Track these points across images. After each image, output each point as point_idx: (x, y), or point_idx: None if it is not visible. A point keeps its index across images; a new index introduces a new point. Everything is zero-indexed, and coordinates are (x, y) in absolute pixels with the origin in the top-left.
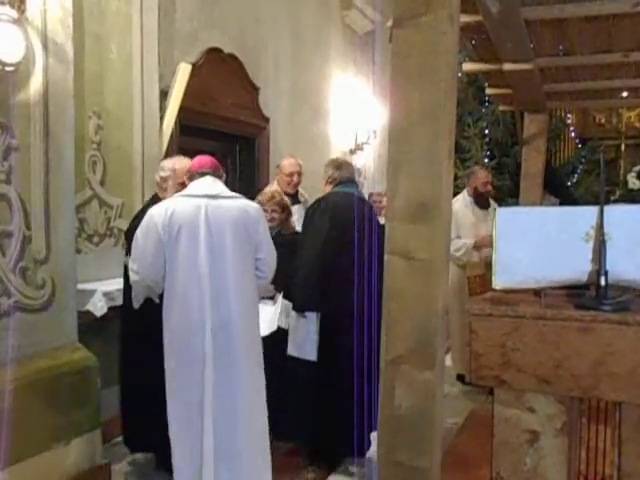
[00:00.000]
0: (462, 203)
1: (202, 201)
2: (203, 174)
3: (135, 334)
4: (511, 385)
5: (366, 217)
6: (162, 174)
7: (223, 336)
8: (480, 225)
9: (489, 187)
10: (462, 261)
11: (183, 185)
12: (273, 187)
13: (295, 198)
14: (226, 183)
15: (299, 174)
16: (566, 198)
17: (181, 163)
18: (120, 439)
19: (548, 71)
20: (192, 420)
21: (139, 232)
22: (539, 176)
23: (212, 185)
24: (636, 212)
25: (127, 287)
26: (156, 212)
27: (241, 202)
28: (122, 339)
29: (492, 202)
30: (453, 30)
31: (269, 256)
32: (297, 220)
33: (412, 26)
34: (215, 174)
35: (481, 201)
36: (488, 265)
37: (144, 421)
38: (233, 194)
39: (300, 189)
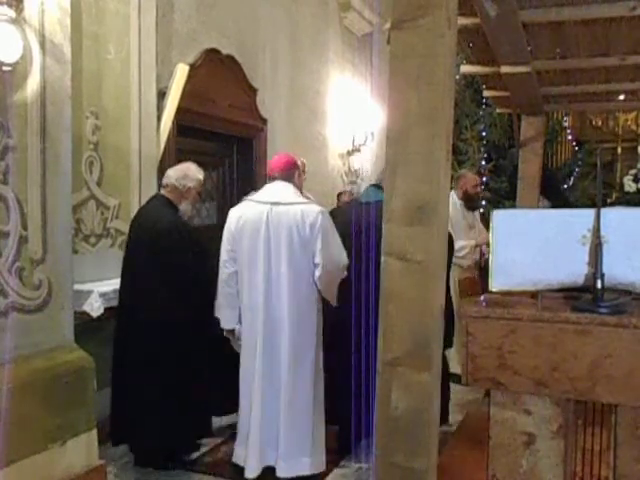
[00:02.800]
0: (452, 206)
1: (266, 207)
2: (274, 178)
3: (129, 333)
4: (507, 387)
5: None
6: (188, 184)
7: (272, 329)
8: (471, 227)
9: (478, 189)
10: (466, 263)
11: (200, 195)
12: None
13: None
14: (223, 184)
15: (303, 172)
16: (559, 202)
17: (201, 173)
18: None
19: (545, 74)
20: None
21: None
22: (536, 178)
23: (277, 191)
24: (633, 215)
25: (123, 287)
26: (231, 215)
27: (299, 208)
28: (115, 338)
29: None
30: (451, 32)
31: (326, 253)
32: None
33: (410, 28)
34: (284, 177)
35: (471, 204)
36: (478, 267)
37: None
38: (294, 200)
39: (308, 193)
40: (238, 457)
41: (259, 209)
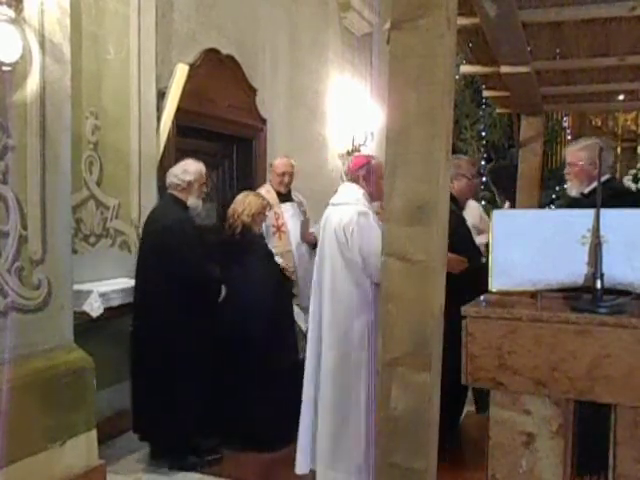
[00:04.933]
0: None
1: (329, 210)
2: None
3: (138, 332)
4: (507, 387)
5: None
6: (188, 178)
7: (317, 335)
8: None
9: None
10: None
11: (205, 185)
12: (264, 189)
13: (287, 196)
14: (223, 184)
15: (291, 175)
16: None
17: (201, 167)
18: (116, 440)
19: (545, 74)
20: None
21: None
22: (536, 178)
23: (340, 193)
24: (632, 215)
25: (135, 286)
26: None
27: (341, 210)
28: (133, 335)
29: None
30: (450, 33)
31: (364, 256)
32: (290, 217)
33: (410, 29)
34: (350, 178)
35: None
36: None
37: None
38: (342, 201)
39: (297, 193)
40: None
41: (327, 211)
